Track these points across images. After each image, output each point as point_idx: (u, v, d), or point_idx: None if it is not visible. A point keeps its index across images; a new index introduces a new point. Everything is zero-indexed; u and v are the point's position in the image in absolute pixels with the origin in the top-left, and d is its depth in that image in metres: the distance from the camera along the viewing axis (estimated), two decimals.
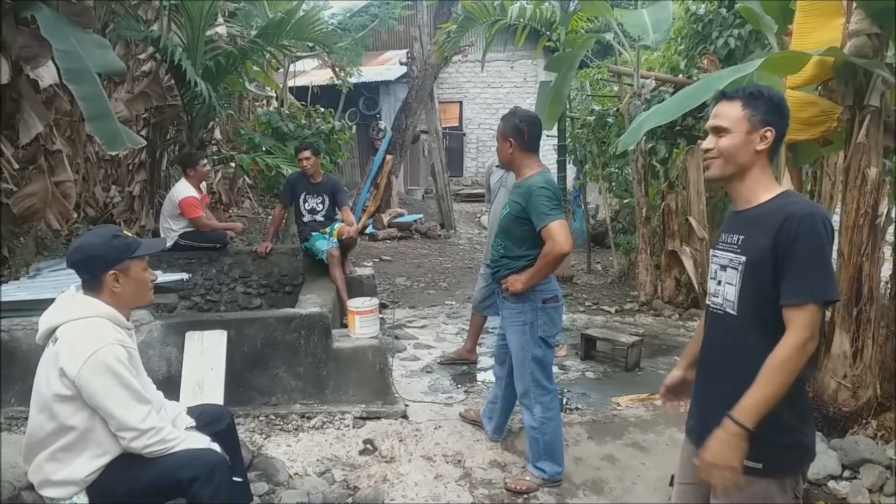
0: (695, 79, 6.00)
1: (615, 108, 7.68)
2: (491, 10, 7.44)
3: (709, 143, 1.85)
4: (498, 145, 3.21)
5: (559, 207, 3.00)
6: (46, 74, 5.02)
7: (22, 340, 3.70)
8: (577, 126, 8.47)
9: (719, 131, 1.83)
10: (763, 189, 1.82)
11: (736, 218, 1.88)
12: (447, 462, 3.43)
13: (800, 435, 1.78)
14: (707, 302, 1.95)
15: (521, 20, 7.63)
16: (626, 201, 8.24)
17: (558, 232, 2.91)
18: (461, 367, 4.88)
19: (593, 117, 8.13)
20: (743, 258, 1.78)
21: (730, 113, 1.81)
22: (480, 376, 4.75)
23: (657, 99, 6.39)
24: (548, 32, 7.87)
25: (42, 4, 4.87)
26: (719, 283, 1.87)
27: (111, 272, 2.17)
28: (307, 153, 5.57)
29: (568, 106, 8.09)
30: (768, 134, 1.79)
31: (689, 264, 6.24)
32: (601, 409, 4.13)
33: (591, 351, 5.12)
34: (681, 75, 6.83)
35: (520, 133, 3.10)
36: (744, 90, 1.83)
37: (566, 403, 4.24)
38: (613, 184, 8.28)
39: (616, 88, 8.19)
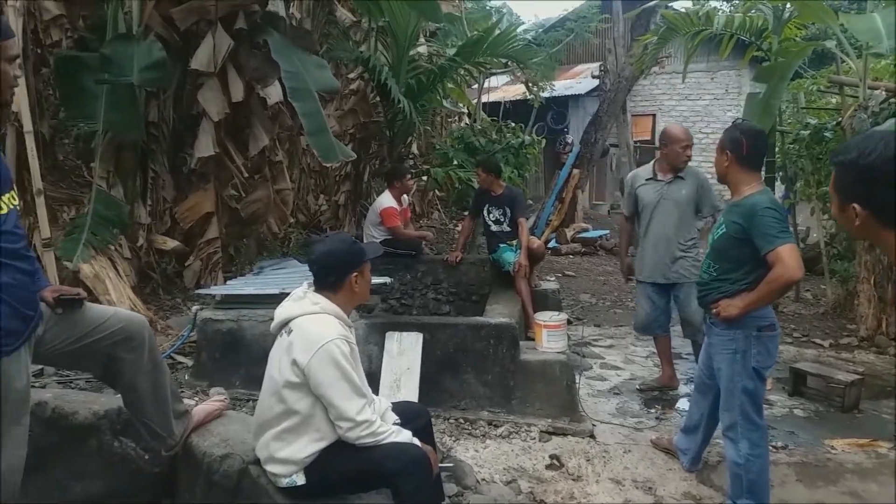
0: None
1: (834, 122, 6.97)
2: (694, 21, 7.09)
3: None
4: (715, 157, 3.05)
5: (788, 230, 2.78)
6: (273, 93, 5.60)
7: (247, 330, 4.11)
8: (787, 141, 7.80)
9: None
10: None
11: None
12: (636, 488, 3.29)
13: None
14: None
15: (728, 30, 7.19)
16: None
17: (790, 256, 2.67)
18: (652, 392, 4.66)
19: (808, 131, 7.43)
20: None
21: None
22: (676, 404, 4.50)
23: (886, 112, 5.71)
24: (757, 41, 7.34)
25: (273, 30, 5.47)
26: None
27: (354, 273, 2.41)
28: (478, 170, 5.98)
29: (778, 119, 7.48)
30: None
31: None
32: (812, 451, 3.74)
33: (800, 386, 4.65)
34: None
35: (738, 146, 2.90)
36: None
37: (771, 440, 3.89)
38: (829, 204, 7.50)
39: (834, 100, 7.43)
